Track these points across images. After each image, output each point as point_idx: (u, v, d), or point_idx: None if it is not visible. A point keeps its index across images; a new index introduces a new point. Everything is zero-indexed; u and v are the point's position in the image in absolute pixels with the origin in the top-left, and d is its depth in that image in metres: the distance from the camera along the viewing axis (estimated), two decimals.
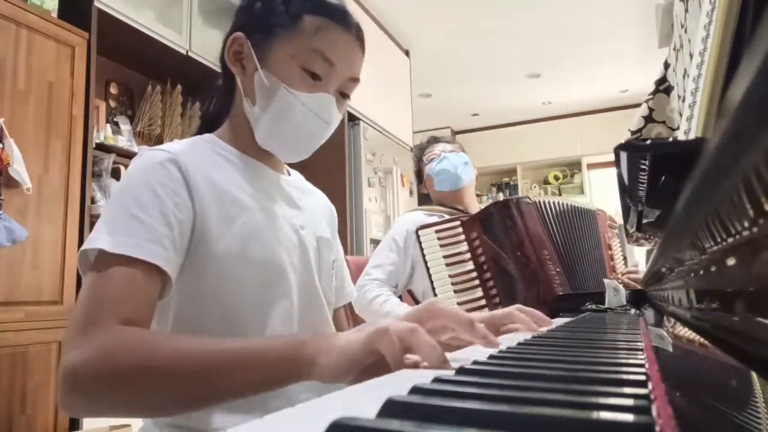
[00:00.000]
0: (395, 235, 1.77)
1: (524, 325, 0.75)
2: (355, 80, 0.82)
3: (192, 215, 0.70)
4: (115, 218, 0.66)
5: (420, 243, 1.55)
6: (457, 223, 1.56)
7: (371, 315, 1.63)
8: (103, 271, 0.63)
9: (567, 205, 1.56)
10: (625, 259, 1.82)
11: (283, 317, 0.76)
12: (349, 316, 1.01)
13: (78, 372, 0.56)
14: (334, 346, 0.52)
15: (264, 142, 0.80)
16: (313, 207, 0.91)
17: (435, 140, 1.96)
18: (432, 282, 1.51)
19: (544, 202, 1.52)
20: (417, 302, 1.72)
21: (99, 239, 0.64)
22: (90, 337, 0.57)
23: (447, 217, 1.68)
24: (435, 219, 1.69)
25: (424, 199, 2.00)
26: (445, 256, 1.53)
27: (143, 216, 0.65)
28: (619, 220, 1.59)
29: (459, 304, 1.48)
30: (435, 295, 1.51)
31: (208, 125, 0.89)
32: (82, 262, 0.67)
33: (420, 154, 1.95)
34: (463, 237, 1.53)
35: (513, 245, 1.45)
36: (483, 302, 1.46)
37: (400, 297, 1.74)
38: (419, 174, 1.96)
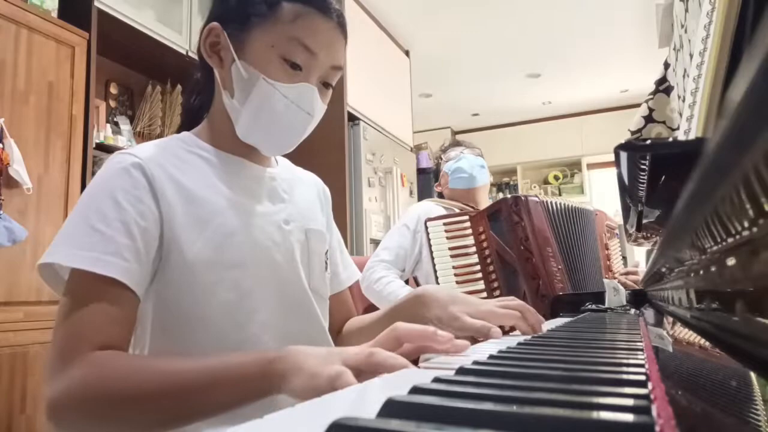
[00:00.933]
0: (407, 221, 1.84)
1: (516, 322, 0.73)
2: (338, 68, 0.78)
3: (158, 222, 0.68)
4: (74, 230, 0.65)
5: (428, 233, 1.60)
6: (466, 217, 1.60)
7: (375, 295, 1.70)
8: (76, 291, 0.62)
9: (569, 205, 1.58)
10: (624, 259, 1.84)
11: (264, 322, 0.73)
12: (350, 300, 0.98)
13: (60, 404, 0.57)
14: (303, 367, 0.50)
15: (245, 136, 0.77)
16: (302, 197, 0.87)
17: (457, 143, 2.05)
18: (436, 272, 1.55)
19: (549, 202, 1.54)
20: None
21: (56, 252, 0.63)
22: (68, 368, 0.58)
23: (457, 211, 1.71)
24: (445, 212, 1.73)
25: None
26: (450, 248, 1.57)
27: (103, 227, 0.64)
28: (619, 220, 1.60)
29: None
30: (438, 283, 1.54)
31: (190, 122, 0.85)
32: (44, 274, 0.65)
33: (441, 153, 2.05)
34: (470, 231, 1.57)
35: (518, 240, 1.47)
36: (484, 294, 1.50)
37: (406, 281, 1.78)
38: (437, 173, 2.04)
